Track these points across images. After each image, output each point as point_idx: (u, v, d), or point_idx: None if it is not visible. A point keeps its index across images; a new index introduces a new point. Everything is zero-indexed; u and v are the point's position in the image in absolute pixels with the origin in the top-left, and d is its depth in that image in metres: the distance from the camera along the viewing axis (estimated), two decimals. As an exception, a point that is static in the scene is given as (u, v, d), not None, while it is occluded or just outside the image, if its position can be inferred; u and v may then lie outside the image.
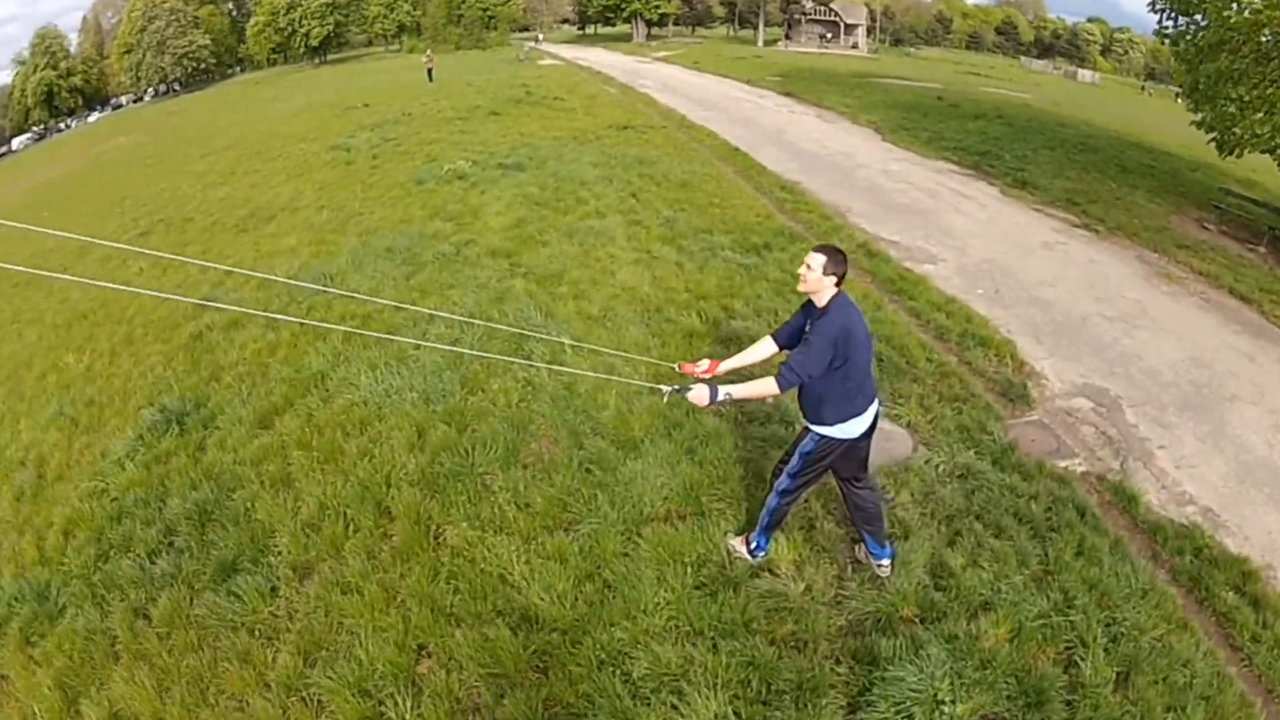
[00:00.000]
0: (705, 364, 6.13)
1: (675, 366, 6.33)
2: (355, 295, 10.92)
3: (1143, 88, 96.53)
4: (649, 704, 5.39)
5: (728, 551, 6.56)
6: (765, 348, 6.02)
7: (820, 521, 7.02)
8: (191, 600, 6.60)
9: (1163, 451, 9.08)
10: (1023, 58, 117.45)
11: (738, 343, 9.62)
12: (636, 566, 6.40)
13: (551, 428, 8.19)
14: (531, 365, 8.70)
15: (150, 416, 9.40)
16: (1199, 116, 19.45)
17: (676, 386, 5.76)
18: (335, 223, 16.98)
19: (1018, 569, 6.63)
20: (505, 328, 9.26)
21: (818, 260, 5.34)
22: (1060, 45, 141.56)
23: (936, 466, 7.95)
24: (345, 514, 7.21)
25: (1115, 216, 18.25)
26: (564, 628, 5.94)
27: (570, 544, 6.65)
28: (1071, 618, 6.14)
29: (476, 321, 9.81)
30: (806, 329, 5.63)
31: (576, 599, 6.18)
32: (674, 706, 5.35)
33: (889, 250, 14.99)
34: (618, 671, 5.61)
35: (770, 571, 6.47)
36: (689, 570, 6.38)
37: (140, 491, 8.12)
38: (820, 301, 5.48)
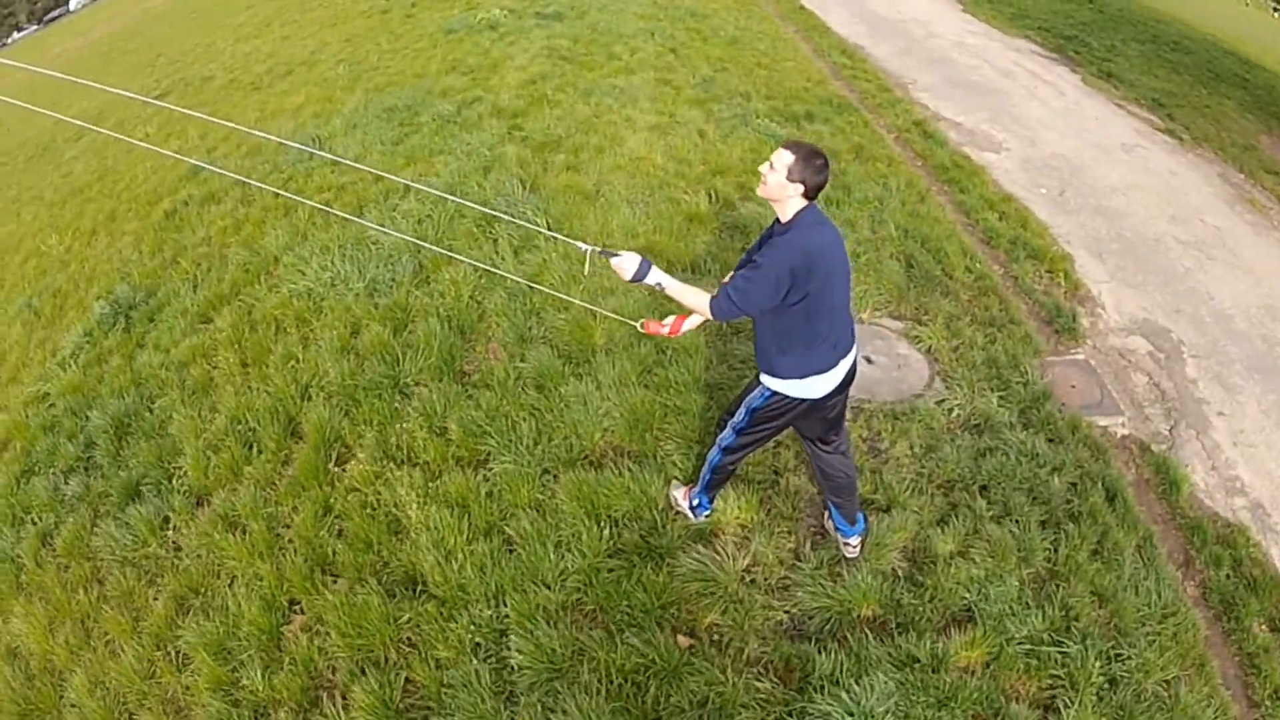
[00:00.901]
0: (670, 320, 4.60)
1: (639, 325, 4.72)
2: (342, 160, 9.41)
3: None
4: (515, 706, 4.18)
5: (669, 503, 5.14)
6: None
7: (787, 475, 5.37)
8: (92, 527, 5.81)
9: (1221, 420, 7.33)
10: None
11: (744, 234, 7.87)
12: (548, 521, 5.04)
13: (501, 330, 6.62)
14: (478, 265, 7.06)
15: (99, 310, 8.39)
16: None
17: (602, 248, 4.38)
18: (349, 78, 15.10)
19: (1016, 567, 4.98)
20: (476, 206, 7.44)
21: (783, 159, 3.80)
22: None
23: (950, 411, 6.17)
24: (253, 431, 6.09)
25: (1202, 126, 15.90)
26: (445, 596, 4.70)
27: (477, 486, 5.29)
28: (1066, 647, 4.51)
29: (448, 197, 8.08)
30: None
31: (467, 560, 4.83)
32: (544, 712, 4.02)
33: (948, 132, 12.78)
34: (492, 659, 4.41)
35: (712, 537, 4.93)
36: (611, 530, 4.93)
37: (73, 398, 7.20)
38: (783, 215, 3.95)
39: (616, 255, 4.07)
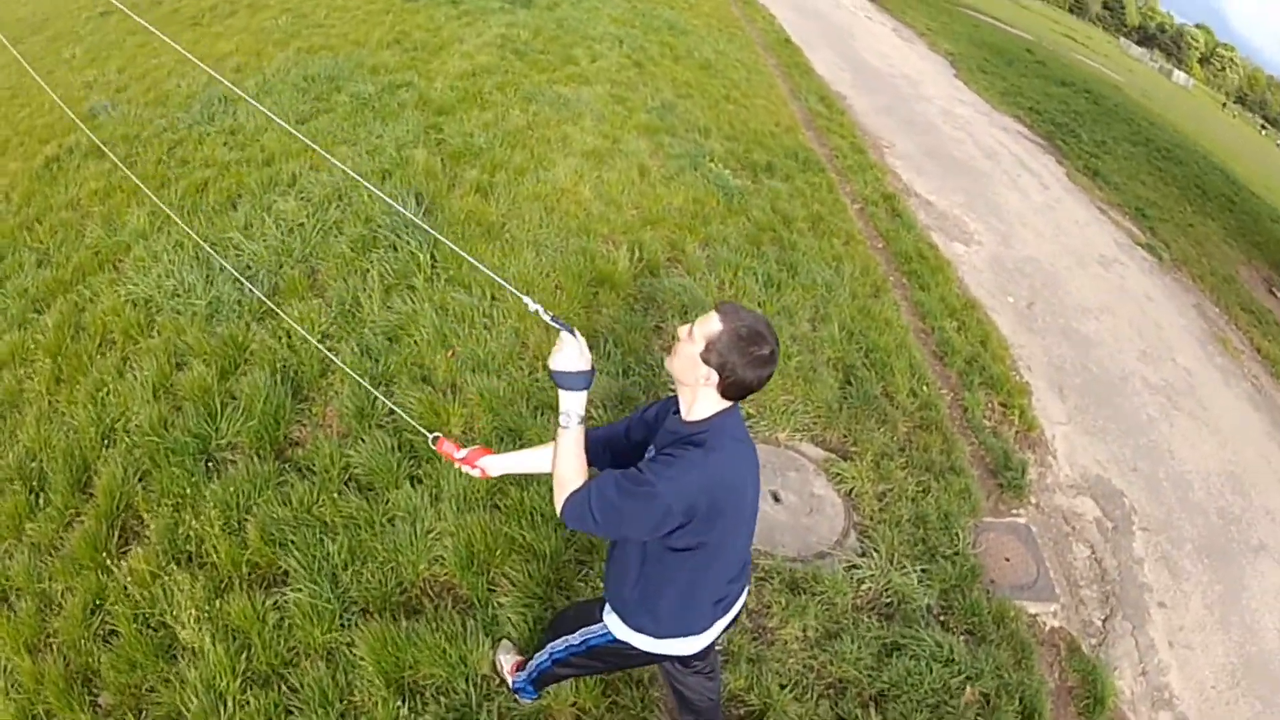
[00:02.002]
0: (469, 451, 3.38)
1: (430, 439, 3.43)
2: (279, 115, 8.61)
3: (1224, 104, 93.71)
4: None
5: (493, 667, 4.24)
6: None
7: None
8: None
9: (1161, 614, 6.71)
10: (1122, 39, 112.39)
11: (660, 312, 7.01)
12: (337, 681, 4.07)
13: (341, 398, 5.65)
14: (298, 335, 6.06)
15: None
16: None
17: (553, 314, 2.97)
18: (286, 32, 13.94)
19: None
20: (355, 227, 6.57)
21: (707, 327, 2.77)
22: (1163, 40, 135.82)
23: (859, 583, 5.35)
24: (44, 476, 5.16)
25: (1184, 247, 15.65)
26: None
27: (265, 613, 4.33)
28: None
29: (330, 207, 7.31)
30: (650, 448, 3.08)
31: (237, 712, 3.91)
32: None
33: (918, 212, 12.16)
34: None
35: None
36: (414, 704, 4.03)
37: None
38: (689, 411, 2.91)
39: (572, 332, 2.84)
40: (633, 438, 3.20)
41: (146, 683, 4.02)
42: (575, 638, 3.43)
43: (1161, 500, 7.92)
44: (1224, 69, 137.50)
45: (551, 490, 2.88)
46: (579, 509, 2.78)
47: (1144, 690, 6.01)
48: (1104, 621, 6.39)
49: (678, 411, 2.97)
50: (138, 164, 8.46)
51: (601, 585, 4.47)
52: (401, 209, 6.53)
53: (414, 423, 4.25)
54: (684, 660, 3.46)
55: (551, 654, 3.59)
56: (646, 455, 2.99)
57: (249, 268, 6.67)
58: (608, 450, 3.20)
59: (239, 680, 3.97)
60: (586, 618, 3.40)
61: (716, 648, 3.72)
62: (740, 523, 3.03)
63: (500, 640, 4.35)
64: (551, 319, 2.86)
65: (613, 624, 3.23)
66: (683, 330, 2.83)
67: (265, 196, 7.71)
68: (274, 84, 10.63)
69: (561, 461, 2.85)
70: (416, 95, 10.36)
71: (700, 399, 2.83)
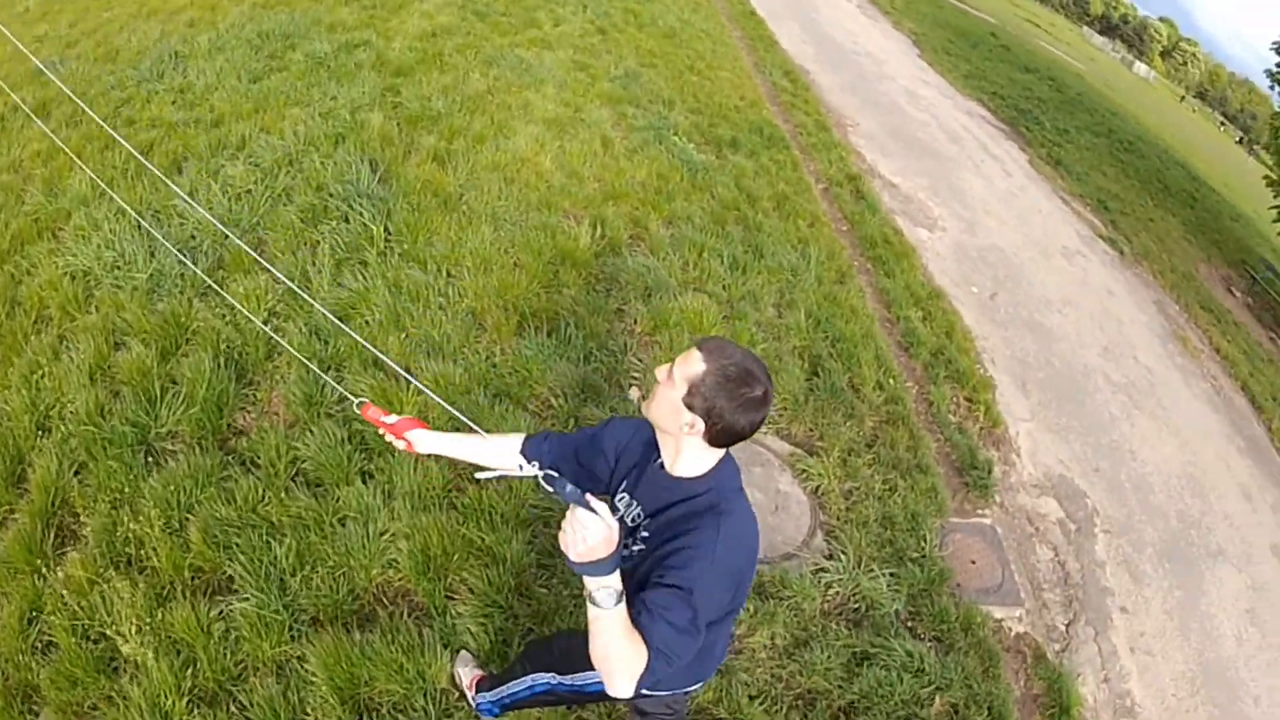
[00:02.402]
0: (398, 419, 3.05)
1: (355, 404, 3.05)
2: (230, 74, 8.31)
3: (1182, 98, 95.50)
4: None
5: (452, 680, 4.01)
6: (507, 443, 2.98)
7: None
8: None
9: (1123, 619, 6.70)
10: (1085, 28, 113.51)
11: (621, 293, 6.79)
12: (289, 699, 3.81)
13: (288, 384, 5.29)
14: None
15: None
16: (1276, 172, 17.32)
17: (572, 488, 2.32)
18: None
19: None
20: (305, 196, 6.23)
21: (689, 368, 2.45)
22: (1125, 31, 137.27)
23: (828, 587, 5.22)
24: None
25: (1145, 241, 15.83)
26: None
27: (210, 625, 3.99)
28: None
29: (279, 173, 6.88)
30: (639, 521, 2.68)
31: None
32: None
33: (882, 194, 12.06)
34: None
35: None
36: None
37: None
38: (674, 464, 2.61)
39: (591, 507, 2.24)
40: (583, 460, 2.88)
41: (89, 699, 3.74)
42: (567, 679, 3.19)
43: (1123, 502, 7.92)
44: (1185, 63, 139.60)
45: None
46: (652, 677, 2.34)
47: (1106, 697, 5.99)
48: (1067, 627, 6.36)
49: (659, 460, 2.66)
50: (83, 123, 7.93)
51: (565, 591, 4.30)
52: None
53: (342, 390, 3.97)
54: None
55: (532, 688, 3.34)
56: (634, 542, 2.66)
57: (193, 238, 6.30)
58: (551, 467, 2.58)
59: (185, 699, 3.71)
60: (586, 663, 3.06)
61: None
62: (745, 588, 2.71)
63: (459, 651, 4.13)
64: (568, 494, 2.31)
65: None
66: (660, 372, 2.53)
67: (213, 160, 7.29)
68: (227, 40, 10.05)
69: (614, 648, 2.30)
70: (374, 55, 9.93)
71: (686, 449, 2.53)
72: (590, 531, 2.21)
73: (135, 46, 9.82)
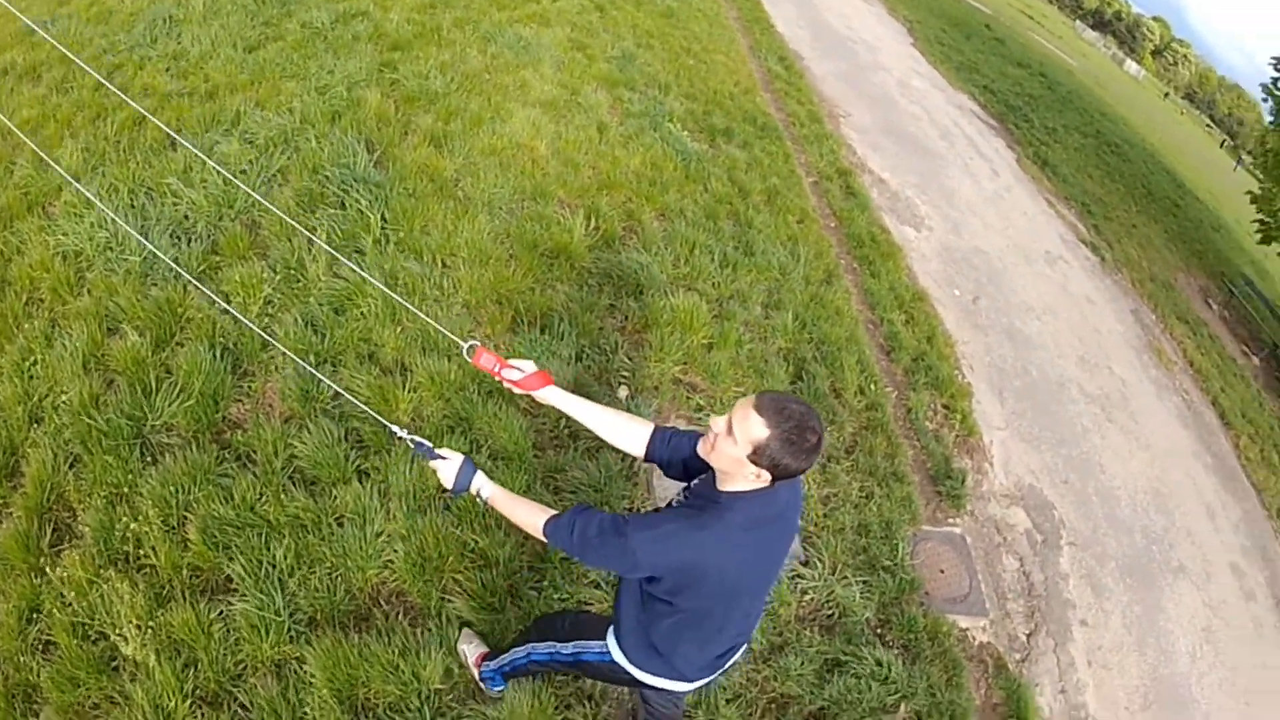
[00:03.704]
0: (529, 368, 3.39)
1: (466, 348, 3.39)
2: (225, 41, 8.13)
3: (1166, 94, 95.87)
4: None
5: (458, 658, 4.27)
6: (636, 431, 3.33)
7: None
8: None
9: (1082, 632, 6.97)
10: (1077, 22, 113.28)
11: (616, 290, 6.94)
12: (288, 699, 3.92)
13: (284, 376, 5.35)
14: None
15: None
16: (1263, 190, 17.56)
17: (416, 439, 3.25)
18: None
19: None
20: (300, 179, 6.35)
21: (751, 430, 2.71)
22: (1118, 28, 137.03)
23: (803, 594, 5.44)
24: None
25: (1126, 248, 16.16)
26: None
27: (210, 626, 4.07)
28: None
29: (275, 152, 6.85)
30: (680, 495, 3.13)
31: None
32: None
33: (871, 190, 12.23)
34: None
35: None
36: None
37: None
38: (723, 481, 2.89)
39: (436, 454, 3.19)
40: (683, 454, 3.22)
41: (90, 699, 3.84)
42: (566, 647, 3.50)
43: (1089, 515, 8.18)
44: (1176, 64, 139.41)
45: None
46: (562, 532, 2.97)
47: (1063, 708, 6.25)
48: (1029, 637, 6.60)
49: (715, 476, 2.95)
50: (74, 90, 7.84)
51: (555, 595, 4.52)
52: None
53: (449, 334, 4.00)
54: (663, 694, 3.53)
55: (531, 655, 3.66)
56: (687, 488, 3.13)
57: (187, 218, 6.29)
58: (672, 456, 3.24)
59: (187, 700, 3.82)
60: (587, 632, 3.47)
61: None
62: (729, 605, 3.05)
63: (462, 629, 4.34)
64: (412, 441, 3.23)
65: (612, 647, 3.29)
66: (718, 424, 2.80)
67: (206, 136, 7.21)
68: (222, 4, 9.79)
69: (515, 515, 3.17)
70: (371, 27, 9.80)
71: (739, 483, 2.84)
72: (441, 469, 3.17)
73: (129, 8, 9.60)
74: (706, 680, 3.35)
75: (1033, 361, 10.09)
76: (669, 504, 3.09)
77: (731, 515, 2.82)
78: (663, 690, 3.37)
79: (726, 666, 3.39)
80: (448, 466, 3.16)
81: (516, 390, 3.35)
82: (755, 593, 3.18)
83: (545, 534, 3.02)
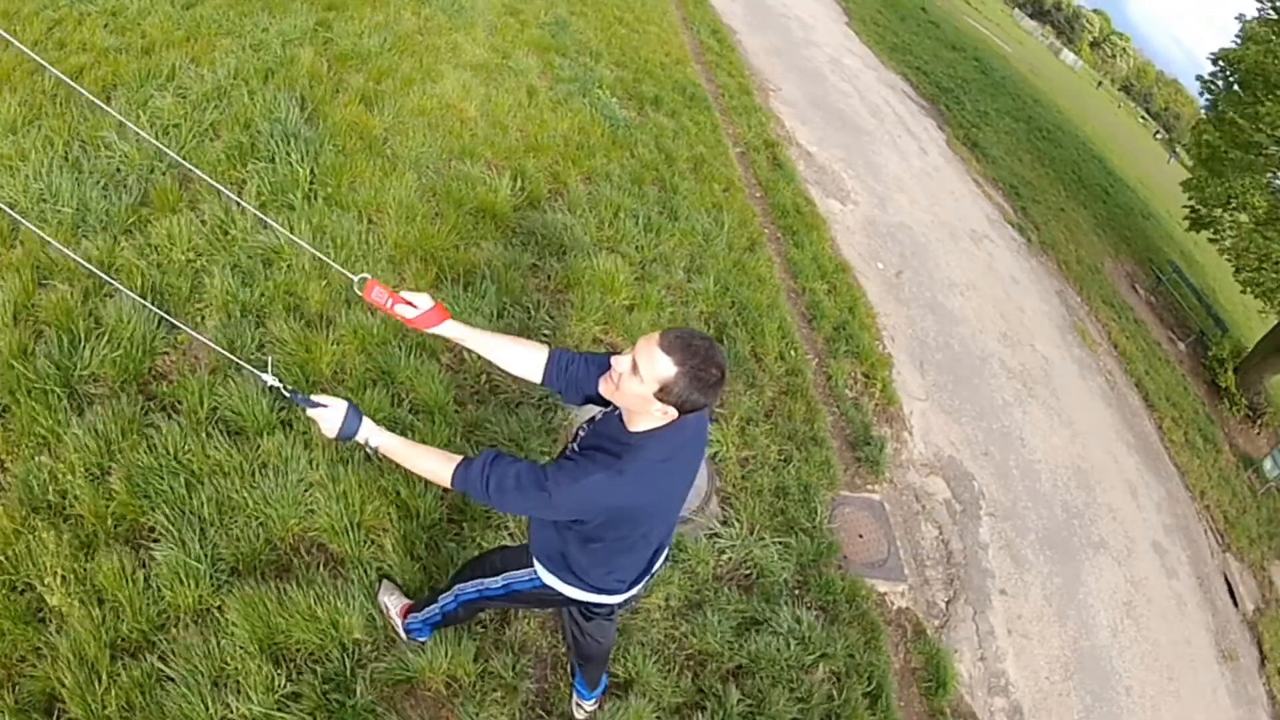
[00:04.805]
0: (424, 304, 3.30)
1: (356, 281, 3.26)
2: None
3: (1099, 84, 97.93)
4: None
5: (378, 609, 4.25)
6: (532, 356, 3.29)
7: (516, 624, 4.57)
8: None
9: (1002, 601, 7.18)
10: (1016, 10, 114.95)
11: (538, 249, 6.97)
12: (209, 647, 3.89)
13: (213, 324, 5.27)
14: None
15: None
16: (1195, 178, 18.00)
17: (291, 387, 3.15)
18: None
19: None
20: (233, 132, 6.24)
21: (656, 368, 2.70)
22: (1057, 18, 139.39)
23: (721, 553, 5.50)
24: None
25: (1053, 231, 16.54)
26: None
27: (134, 574, 4.00)
28: None
29: (208, 107, 6.72)
30: (584, 427, 3.13)
31: (112, 686, 3.66)
32: None
33: (798, 162, 12.35)
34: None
35: (408, 695, 4.10)
36: (288, 671, 3.92)
37: None
38: (631, 421, 2.90)
39: (313, 402, 3.02)
40: (591, 390, 3.15)
41: (16, 652, 3.76)
42: (495, 581, 3.54)
43: (1010, 488, 8.37)
44: (1115, 56, 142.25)
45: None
46: (474, 479, 2.89)
47: (981, 675, 6.43)
48: (947, 604, 6.76)
49: (619, 412, 2.96)
50: (11, 46, 7.57)
51: (474, 544, 4.53)
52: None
53: (337, 266, 3.92)
54: (593, 608, 3.57)
55: (459, 596, 3.69)
56: (579, 432, 3.10)
57: (119, 170, 6.17)
58: (569, 385, 3.22)
59: (109, 650, 3.77)
60: (513, 563, 3.51)
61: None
62: (650, 527, 3.11)
63: (383, 580, 4.34)
64: (289, 391, 3.04)
65: (541, 572, 3.32)
66: (621, 363, 2.77)
67: (142, 90, 7.05)
68: None
69: (413, 463, 3.04)
70: None
71: (644, 420, 2.85)
72: (324, 417, 2.96)
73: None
74: (637, 590, 3.41)
75: (955, 336, 10.28)
76: (573, 441, 3.09)
77: (645, 453, 2.84)
78: (596, 605, 3.43)
79: (654, 571, 3.45)
80: (329, 414, 2.98)
81: (410, 326, 3.28)
82: (675, 506, 3.22)
83: (453, 482, 2.95)
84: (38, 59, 3.77)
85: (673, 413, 2.75)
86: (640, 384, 2.70)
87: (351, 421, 2.98)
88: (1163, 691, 7.41)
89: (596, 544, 3.07)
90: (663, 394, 2.69)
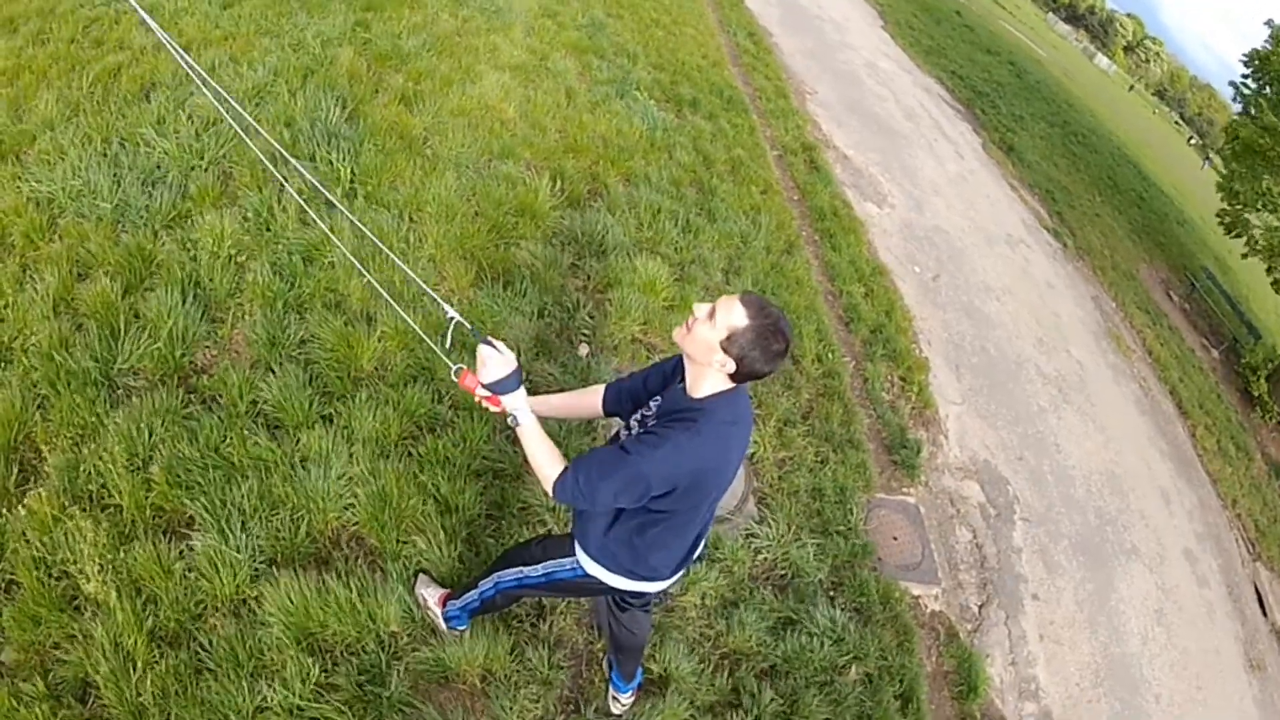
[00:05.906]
0: (510, 358, 3.30)
1: (453, 372, 3.25)
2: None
3: (1131, 87, 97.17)
4: None
5: (417, 601, 4.27)
6: (589, 400, 3.54)
7: (552, 618, 4.58)
8: None
9: (1034, 605, 7.15)
10: (1050, 14, 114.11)
11: (577, 250, 6.94)
12: (246, 637, 3.92)
13: (252, 320, 5.31)
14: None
15: None
16: (1227, 175, 17.91)
17: (472, 324, 3.50)
18: None
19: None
20: (273, 130, 6.23)
21: (731, 317, 2.82)
22: (1091, 22, 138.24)
23: (757, 553, 5.51)
24: None
25: (1089, 236, 16.41)
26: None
27: (172, 565, 4.04)
28: None
29: (248, 106, 6.72)
30: (648, 412, 3.21)
31: (148, 674, 3.68)
32: None
33: (835, 166, 12.33)
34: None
35: (444, 686, 4.13)
36: (323, 664, 3.94)
37: None
38: (695, 387, 3.01)
39: (490, 341, 3.08)
40: (650, 388, 3.31)
41: (51, 638, 3.78)
42: (536, 570, 3.58)
43: (1044, 493, 8.33)
44: (1148, 60, 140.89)
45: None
46: (570, 490, 2.95)
47: (1013, 680, 6.40)
48: (980, 608, 6.74)
49: (683, 381, 3.06)
50: (50, 42, 7.63)
51: (511, 540, 4.57)
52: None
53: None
54: (630, 597, 3.65)
55: (499, 584, 3.73)
56: (634, 423, 3.19)
57: (159, 168, 6.15)
58: (630, 400, 3.33)
59: (146, 638, 3.80)
60: (555, 552, 3.54)
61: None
62: (714, 495, 3.16)
63: (418, 573, 4.36)
64: (472, 332, 3.13)
65: (584, 561, 3.35)
66: (700, 310, 2.88)
67: (180, 89, 7.08)
68: None
69: (534, 454, 3.05)
70: None
71: (709, 379, 2.93)
72: (490, 359, 3.02)
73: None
74: (675, 579, 3.45)
75: (990, 340, 10.23)
76: (627, 428, 3.21)
77: (717, 415, 2.93)
78: (633, 594, 3.49)
79: (693, 560, 3.49)
80: (498, 360, 3.04)
81: (494, 409, 3.27)
82: (731, 477, 3.23)
83: (554, 493, 3.02)
84: (167, 39, 3.80)
85: (731, 366, 2.84)
86: (711, 329, 2.81)
87: (511, 380, 3.04)
88: (1191, 700, 7.34)
89: (656, 526, 3.12)
90: (728, 343, 2.79)
